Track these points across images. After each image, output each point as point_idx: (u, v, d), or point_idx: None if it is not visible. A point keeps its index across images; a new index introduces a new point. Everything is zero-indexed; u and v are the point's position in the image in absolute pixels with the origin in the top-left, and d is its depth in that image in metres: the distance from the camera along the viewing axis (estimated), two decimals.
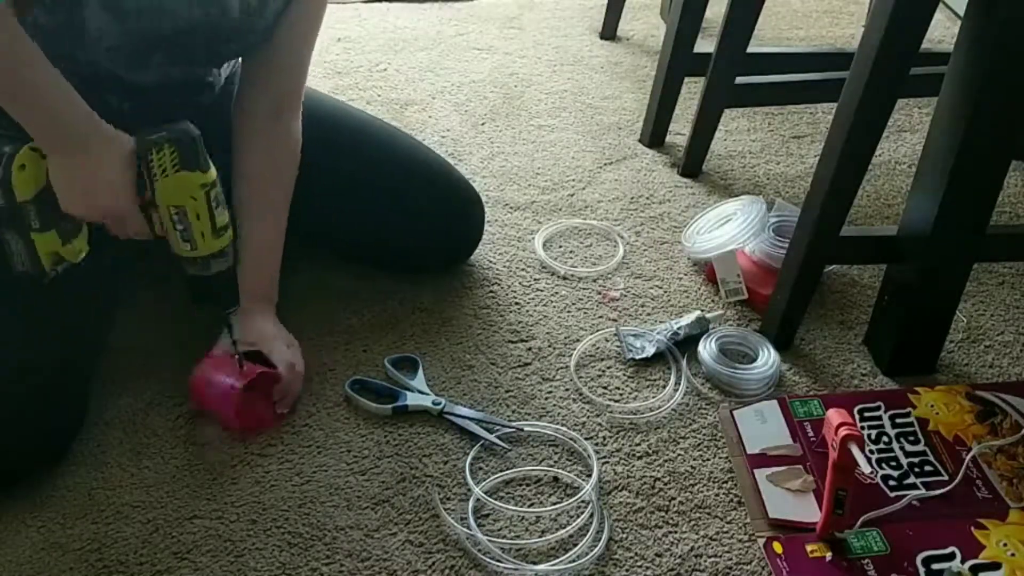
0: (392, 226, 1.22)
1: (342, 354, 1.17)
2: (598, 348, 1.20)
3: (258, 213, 1.09)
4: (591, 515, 0.96)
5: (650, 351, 1.17)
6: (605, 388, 1.14)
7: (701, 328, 1.20)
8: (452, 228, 1.27)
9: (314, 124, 1.15)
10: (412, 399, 1.09)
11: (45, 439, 0.99)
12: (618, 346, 1.19)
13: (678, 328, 1.19)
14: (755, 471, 1.01)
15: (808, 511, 0.96)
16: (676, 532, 0.97)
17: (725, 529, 0.97)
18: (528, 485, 1.01)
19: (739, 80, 1.49)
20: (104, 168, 0.90)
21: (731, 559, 0.94)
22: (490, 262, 1.34)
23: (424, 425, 1.07)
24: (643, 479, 1.02)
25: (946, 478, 1.01)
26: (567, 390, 1.13)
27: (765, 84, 1.55)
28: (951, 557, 0.91)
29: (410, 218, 1.22)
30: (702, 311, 1.23)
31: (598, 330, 1.22)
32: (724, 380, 1.13)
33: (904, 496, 0.98)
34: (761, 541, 0.95)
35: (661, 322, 1.22)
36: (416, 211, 1.22)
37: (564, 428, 1.07)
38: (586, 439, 1.06)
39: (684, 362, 1.16)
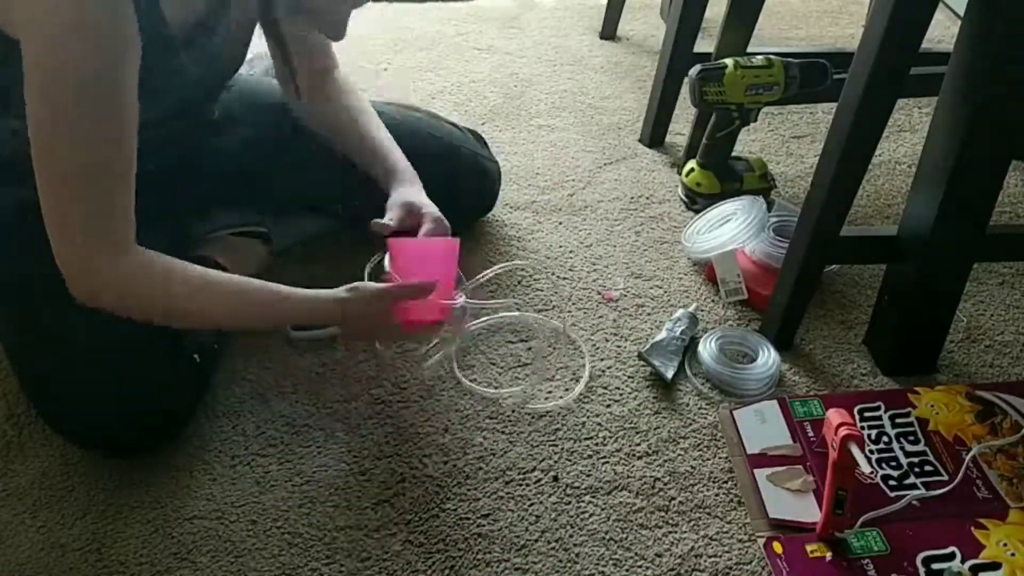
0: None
1: (342, 353, 1.17)
2: (598, 348, 1.20)
3: (371, 123, 1.23)
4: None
5: (670, 373, 1.14)
6: (605, 388, 1.14)
7: (696, 324, 1.21)
8: (466, 196, 1.36)
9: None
10: None
11: (165, 412, 1.01)
12: (644, 366, 1.16)
13: (681, 334, 1.19)
14: (755, 471, 1.01)
15: (808, 511, 0.96)
16: (676, 532, 0.97)
17: (725, 529, 0.97)
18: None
19: None
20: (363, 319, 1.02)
21: (731, 559, 0.94)
22: (490, 262, 1.34)
23: (424, 425, 1.07)
24: (643, 479, 1.02)
25: (946, 478, 1.01)
26: (567, 390, 1.13)
27: None
28: (951, 557, 0.92)
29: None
30: (685, 308, 1.24)
31: (598, 330, 1.22)
32: (724, 380, 1.13)
33: (903, 496, 0.98)
34: (761, 541, 0.95)
35: (661, 323, 1.22)
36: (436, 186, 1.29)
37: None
38: (586, 439, 1.06)
39: (685, 361, 1.16)
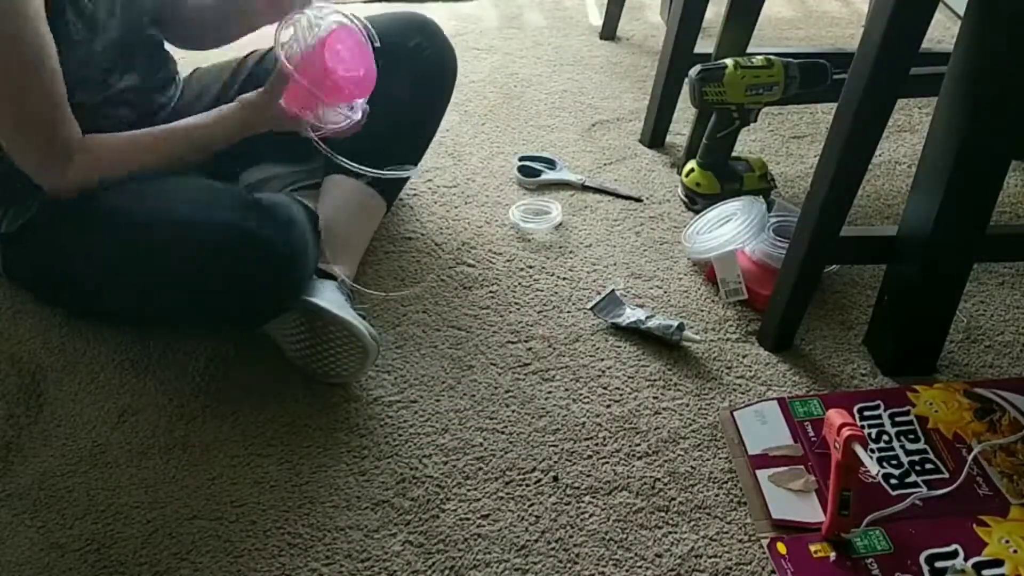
0: None
1: None
2: (598, 348, 1.20)
3: None
4: None
5: (622, 322, 1.22)
6: (605, 388, 1.14)
7: (667, 335, 1.20)
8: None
9: None
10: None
11: (286, 276, 1.05)
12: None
13: (649, 322, 1.21)
14: (757, 472, 1.01)
15: (811, 511, 0.96)
16: (676, 532, 0.97)
17: (725, 529, 0.97)
18: None
19: None
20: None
21: (731, 559, 0.94)
22: (490, 262, 1.34)
23: (424, 425, 1.07)
24: (643, 479, 1.02)
25: (946, 476, 1.01)
26: (567, 390, 1.13)
27: None
28: (954, 555, 0.92)
29: None
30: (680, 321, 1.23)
31: (598, 330, 1.22)
32: None
33: (904, 494, 0.98)
34: (765, 542, 0.95)
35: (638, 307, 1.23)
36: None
37: None
38: (586, 439, 1.06)
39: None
